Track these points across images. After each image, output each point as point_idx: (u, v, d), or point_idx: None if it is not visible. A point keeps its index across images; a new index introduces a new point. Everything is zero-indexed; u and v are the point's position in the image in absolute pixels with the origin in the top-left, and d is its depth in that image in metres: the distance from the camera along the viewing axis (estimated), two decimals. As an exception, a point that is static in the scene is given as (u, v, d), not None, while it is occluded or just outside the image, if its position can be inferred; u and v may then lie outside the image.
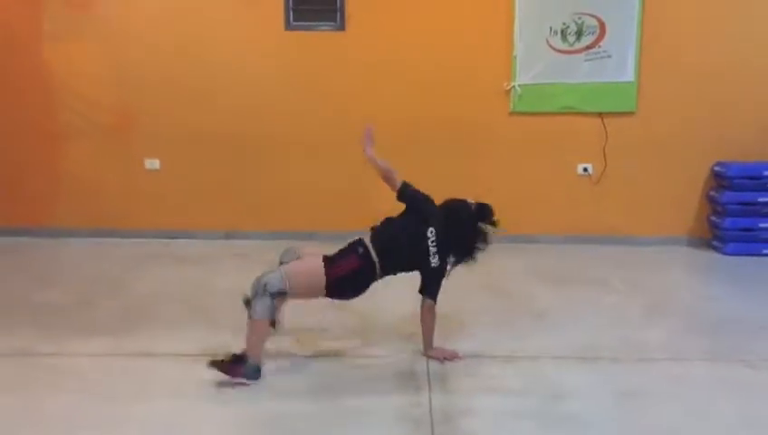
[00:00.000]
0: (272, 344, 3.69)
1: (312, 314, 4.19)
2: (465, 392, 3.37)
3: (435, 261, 3.66)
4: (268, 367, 3.55)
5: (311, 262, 3.60)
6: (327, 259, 3.59)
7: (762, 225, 5.90)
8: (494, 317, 4.39)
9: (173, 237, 6.31)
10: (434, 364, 3.66)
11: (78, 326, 4.16)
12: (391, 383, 3.48)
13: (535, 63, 6.08)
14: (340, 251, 3.67)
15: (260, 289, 3.46)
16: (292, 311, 3.98)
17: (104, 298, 4.71)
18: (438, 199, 3.91)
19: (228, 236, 6.37)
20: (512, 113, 6.18)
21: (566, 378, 3.53)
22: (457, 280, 5.01)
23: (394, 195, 3.82)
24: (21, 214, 6.34)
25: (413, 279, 3.76)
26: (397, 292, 4.00)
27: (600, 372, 3.61)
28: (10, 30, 6.17)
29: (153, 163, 6.31)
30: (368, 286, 3.67)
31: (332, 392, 3.38)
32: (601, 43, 6.05)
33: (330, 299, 3.66)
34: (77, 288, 4.93)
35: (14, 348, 3.83)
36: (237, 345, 3.78)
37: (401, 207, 3.85)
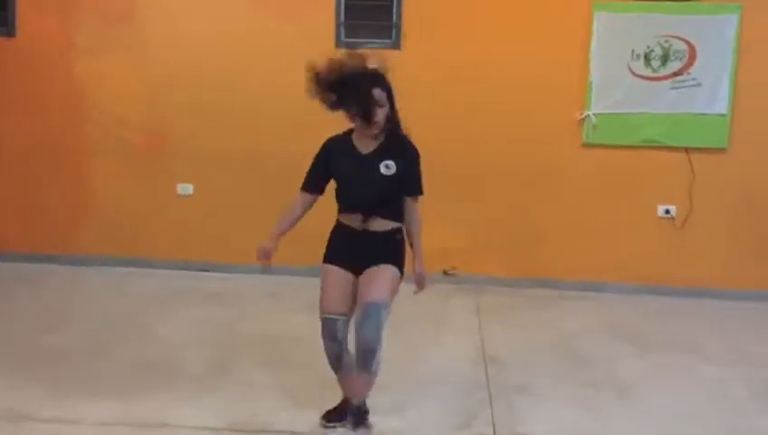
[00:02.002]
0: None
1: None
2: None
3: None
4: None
5: (386, 274, 3.07)
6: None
7: None
8: (569, 391, 3.69)
9: (205, 270, 5.75)
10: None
11: (85, 382, 3.59)
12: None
13: (614, 90, 5.40)
14: None
15: (375, 344, 2.98)
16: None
17: (119, 344, 4.15)
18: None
19: (266, 270, 5.76)
20: (585, 145, 5.50)
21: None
22: (522, 337, 4.40)
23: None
24: (41, 239, 5.84)
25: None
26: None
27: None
28: (39, 43, 5.71)
29: (186, 188, 5.77)
30: None
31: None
32: (690, 70, 5.34)
33: None
34: (91, 330, 4.37)
35: (11, 410, 3.26)
36: (272, 415, 3.19)
37: None
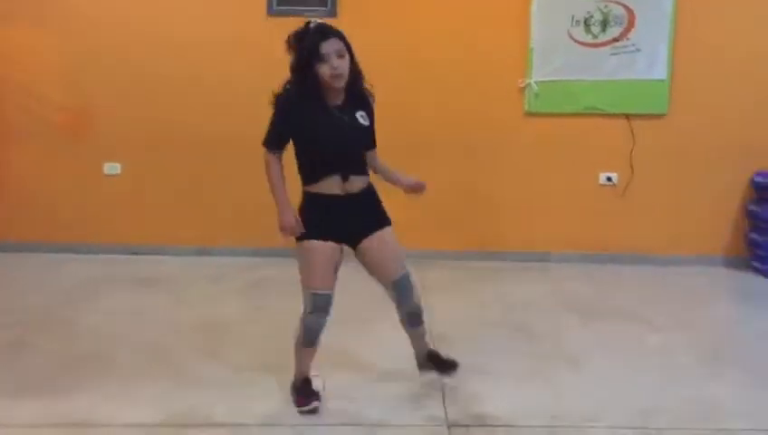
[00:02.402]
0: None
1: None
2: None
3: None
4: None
5: (391, 237, 3.05)
6: None
7: (810, 244, 5.19)
8: (521, 366, 3.60)
9: (136, 253, 5.47)
10: (460, 444, 2.87)
11: (7, 381, 3.31)
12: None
13: (554, 57, 5.31)
14: None
15: (421, 305, 3.15)
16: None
17: (44, 338, 3.87)
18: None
19: (201, 252, 5.53)
20: (526, 114, 5.40)
21: (631, 463, 2.77)
22: (471, 313, 4.30)
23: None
24: (-45, 226, 5.45)
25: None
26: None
27: (672, 451, 2.86)
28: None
29: (113, 168, 5.46)
30: None
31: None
32: (630, 36, 5.29)
33: None
34: (14, 323, 4.06)
35: None
36: (211, 407, 3.01)
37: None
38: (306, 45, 2.83)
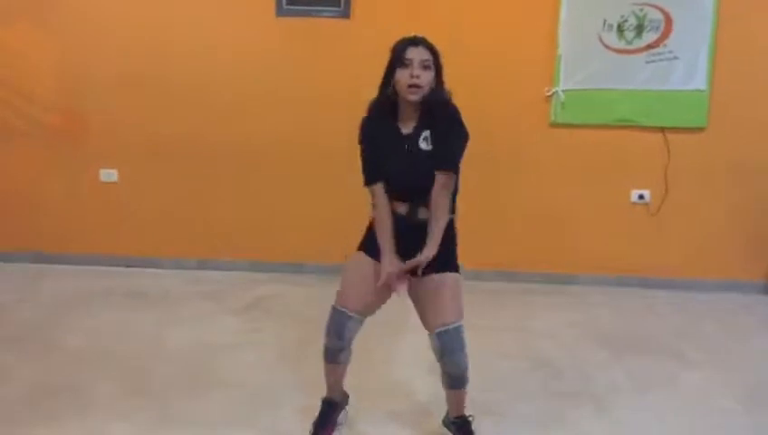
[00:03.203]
0: None
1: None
2: None
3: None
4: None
5: (451, 285, 2.68)
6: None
7: None
8: (540, 407, 3.24)
9: (132, 265, 5.16)
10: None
11: (-30, 412, 3.01)
12: None
13: (584, 65, 4.91)
14: None
15: (466, 367, 2.71)
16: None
17: (18, 362, 3.56)
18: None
19: (200, 265, 5.21)
20: (552, 125, 5.01)
21: None
22: (487, 343, 3.92)
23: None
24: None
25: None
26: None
27: None
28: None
29: (110, 174, 5.15)
30: None
31: None
32: (667, 42, 4.87)
33: None
34: (-9, 343, 3.77)
35: None
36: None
37: None
38: (394, 49, 2.60)
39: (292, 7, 4.99)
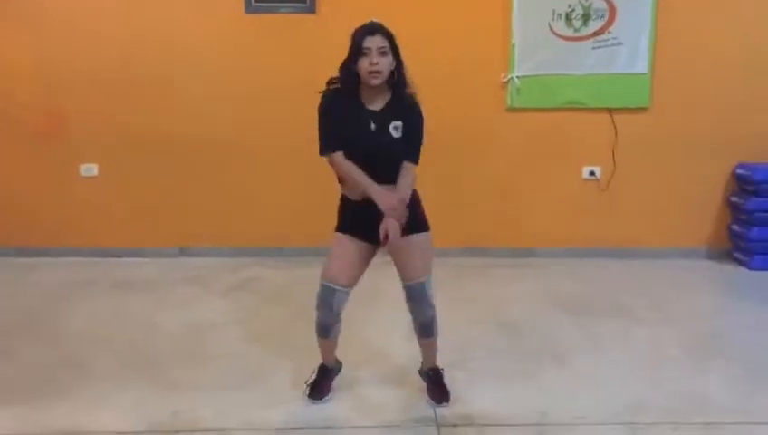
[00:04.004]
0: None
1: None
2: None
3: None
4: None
5: (420, 245, 3.01)
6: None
7: (792, 235, 5.21)
8: (508, 364, 3.58)
9: (116, 256, 5.38)
10: (450, 445, 2.84)
11: (-14, 388, 3.24)
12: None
13: (536, 52, 5.28)
14: None
15: (432, 317, 3.07)
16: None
17: (22, 344, 3.79)
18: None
19: (182, 252, 5.46)
20: (509, 109, 5.37)
21: (621, 460, 2.75)
22: (457, 311, 4.26)
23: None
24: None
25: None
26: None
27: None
28: None
29: (90, 169, 5.36)
30: None
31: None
32: (611, 29, 5.26)
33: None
34: (-10, 329, 3.99)
35: None
36: (195, 412, 2.97)
37: None
38: (353, 39, 2.85)
39: (260, 4, 5.25)
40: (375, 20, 2.92)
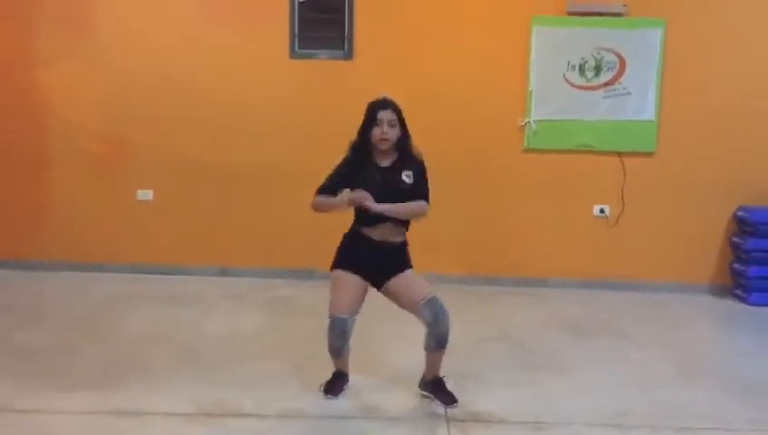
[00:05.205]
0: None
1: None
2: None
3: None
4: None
5: (415, 276, 3.58)
6: None
7: (787, 274, 5.60)
8: (512, 374, 4.03)
9: (165, 273, 5.92)
10: (457, 432, 3.28)
11: (60, 377, 3.77)
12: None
13: (552, 99, 5.81)
14: None
15: (449, 329, 3.49)
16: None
17: (88, 342, 4.33)
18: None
19: (223, 272, 6.00)
20: (526, 150, 5.89)
21: (605, 452, 3.19)
22: (471, 330, 4.72)
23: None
24: (3, 245, 5.94)
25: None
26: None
27: (641, 444, 3.27)
28: (-3, 52, 5.85)
29: (146, 194, 5.96)
30: None
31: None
32: (621, 80, 5.78)
33: None
34: (60, 330, 4.54)
35: (-14, 403, 3.43)
36: (239, 402, 3.44)
37: None
38: (369, 111, 3.52)
39: (303, 51, 5.86)
40: (387, 96, 3.59)
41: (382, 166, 3.52)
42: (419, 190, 3.53)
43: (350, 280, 3.52)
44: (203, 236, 6.01)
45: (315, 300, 5.30)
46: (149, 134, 5.90)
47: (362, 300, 3.56)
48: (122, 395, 3.56)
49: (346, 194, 3.44)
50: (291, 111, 5.87)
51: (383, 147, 3.48)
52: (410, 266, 3.59)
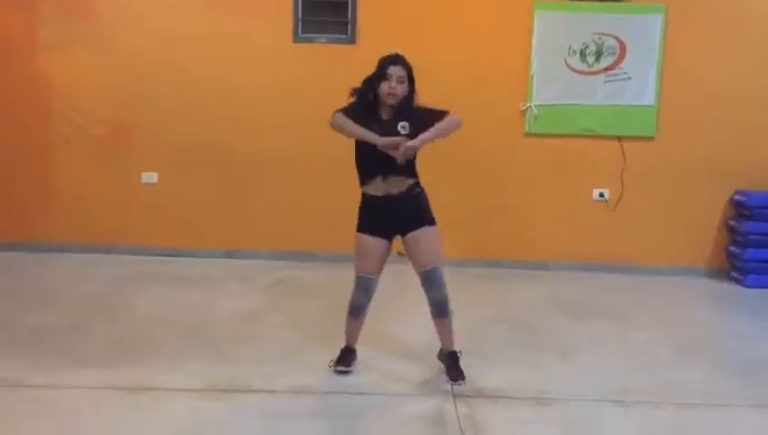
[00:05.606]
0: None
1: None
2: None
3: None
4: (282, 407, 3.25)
5: (429, 236, 3.60)
6: None
7: (783, 256, 5.70)
8: (517, 353, 4.12)
9: (171, 255, 6.00)
10: (464, 407, 3.37)
11: (72, 354, 3.84)
12: (418, 431, 3.20)
13: (553, 84, 5.87)
14: None
15: (446, 296, 3.62)
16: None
17: (99, 322, 4.40)
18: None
19: (228, 254, 6.07)
20: (527, 135, 5.96)
21: (607, 426, 3.28)
22: (474, 311, 4.81)
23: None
24: (10, 228, 6.01)
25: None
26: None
27: (641, 417, 3.36)
28: (2, 38, 5.88)
29: (151, 177, 6.02)
30: None
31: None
32: (621, 65, 5.85)
33: None
34: (70, 310, 4.61)
35: (3, 379, 3.49)
36: (249, 378, 3.53)
37: None
38: (379, 65, 3.56)
39: (306, 35, 5.90)
40: (399, 52, 3.61)
41: (383, 119, 3.57)
42: (435, 117, 3.57)
43: (371, 244, 3.60)
44: (208, 219, 6.08)
45: (318, 281, 5.47)
46: (154, 118, 5.95)
47: (385, 259, 3.65)
48: (135, 372, 3.64)
49: (381, 138, 3.43)
50: (294, 94, 5.93)
51: (390, 101, 3.52)
52: (429, 222, 3.61)
